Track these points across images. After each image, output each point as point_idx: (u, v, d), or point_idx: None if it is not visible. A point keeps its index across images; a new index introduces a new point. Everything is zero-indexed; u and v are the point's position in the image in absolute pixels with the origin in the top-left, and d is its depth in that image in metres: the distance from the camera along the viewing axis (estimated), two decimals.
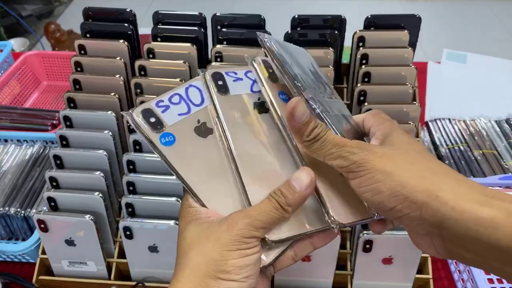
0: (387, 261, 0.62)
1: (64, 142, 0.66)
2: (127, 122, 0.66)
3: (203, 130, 0.41)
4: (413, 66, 0.70)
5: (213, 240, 0.35)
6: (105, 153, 0.63)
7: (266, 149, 0.41)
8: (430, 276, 0.65)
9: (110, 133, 0.64)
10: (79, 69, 0.73)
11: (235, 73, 0.44)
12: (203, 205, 0.39)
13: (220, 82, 0.43)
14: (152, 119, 0.40)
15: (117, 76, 0.70)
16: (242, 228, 0.34)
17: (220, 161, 0.41)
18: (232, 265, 0.34)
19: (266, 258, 0.38)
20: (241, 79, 0.44)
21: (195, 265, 0.34)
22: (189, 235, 0.36)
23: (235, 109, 0.42)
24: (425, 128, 1.01)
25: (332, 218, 0.37)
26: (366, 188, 0.34)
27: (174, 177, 0.61)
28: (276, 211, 0.35)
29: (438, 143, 0.96)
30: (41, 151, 0.86)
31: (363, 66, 0.71)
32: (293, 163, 0.41)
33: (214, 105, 0.42)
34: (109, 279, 0.67)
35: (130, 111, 0.40)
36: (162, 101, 0.42)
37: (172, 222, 0.59)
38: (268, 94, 0.42)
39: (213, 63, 0.73)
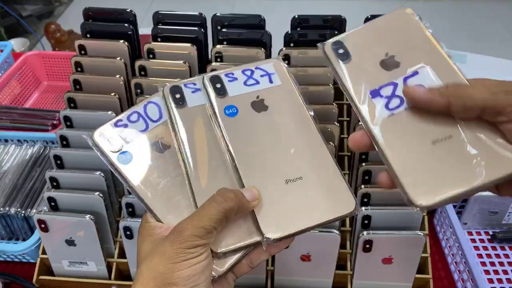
0: (387, 261, 0.62)
1: (65, 142, 0.66)
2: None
3: (160, 146, 0.43)
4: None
5: (159, 254, 0.36)
6: None
7: (221, 161, 0.42)
8: (430, 276, 0.65)
9: None
10: (79, 69, 0.73)
11: (194, 84, 0.45)
12: (159, 220, 0.40)
13: (177, 96, 0.44)
14: (111, 139, 0.42)
15: (117, 76, 0.70)
16: (185, 240, 0.35)
17: (176, 175, 0.42)
18: (177, 276, 0.34)
19: (220, 267, 0.38)
20: (200, 89, 0.45)
21: (145, 279, 0.35)
22: (142, 251, 0.38)
23: (193, 121, 0.43)
24: None
25: (262, 233, 0.38)
26: None
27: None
28: (218, 214, 0.36)
29: None
30: (41, 151, 0.86)
31: None
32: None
33: (172, 118, 0.43)
34: (109, 279, 0.67)
35: (90, 133, 0.43)
36: (121, 120, 0.44)
37: None
38: (214, 110, 0.43)
39: (213, 63, 0.73)
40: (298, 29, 0.79)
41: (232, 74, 0.45)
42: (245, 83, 0.45)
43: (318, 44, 0.43)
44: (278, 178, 0.40)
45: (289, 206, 0.39)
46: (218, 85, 0.44)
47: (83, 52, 0.75)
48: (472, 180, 0.35)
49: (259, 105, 0.44)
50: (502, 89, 0.33)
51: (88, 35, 0.78)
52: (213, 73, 0.45)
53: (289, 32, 0.78)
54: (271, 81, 0.45)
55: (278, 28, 0.85)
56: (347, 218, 0.40)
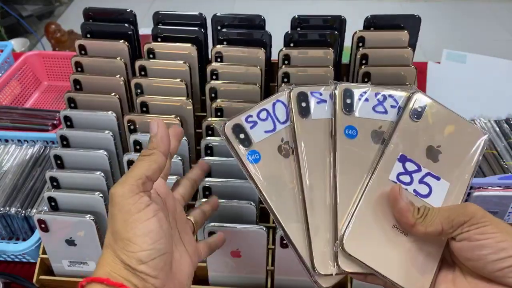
0: None
1: (65, 142, 0.66)
2: (127, 122, 0.66)
3: (284, 150, 0.43)
4: (412, 66, 0.70)
5: (113, 216, 0.38)
6: (105, 153, 0.63)
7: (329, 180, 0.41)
8: None
9: (111, 133, 0.64)
10: (79, 69, 0.73)
11: (320, 94, 0.44)
12: (279, 224, 0.40)
13: (303, 104, 0.43)
14: (242, 135, 0.43)
15: (118, 76, 0.70)
16: (117, 191, 0.37)
17: (292, 185, 0.42)
18: (133, 234, 0.36)
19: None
20: (325, 101, 0.44)
21: (110, 242, 0.38)
22: (110, 216, 0.39)
23: (313, 134, 0.42)
24: None
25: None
26: (492, 235, 0.34)
27: (174, 177, 0.62)
28: (142, 161, 0.38)
29: None
30: (41, 151, 0.86)
31: (363, 66, 0.71)
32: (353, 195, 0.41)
33: (294, 128, 0.42)
34: None
35: (223, 124, 0.43)
36: (251, 116, 0.43)
37: None
38: (336, 125, 0.42)
39: (213, 63, 0.73)
40: (298, 29, 0.79)
41: (365, 93, 0.44)
42: (373, 108, 0.43)
43: None
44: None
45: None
46: (348, 101, 0.43)
47: (83, 52, 0.75)
48: (389, 271, 0.38)
49: (378, 136, 0.42)
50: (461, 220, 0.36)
51: (88, 35, 0.78)
52: (347, 85, 0.43)
53: (289, 32, 0.78)
54: (398, 115, 0.43)
55: (278, 28, 0.85)
56: None
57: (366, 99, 0.43)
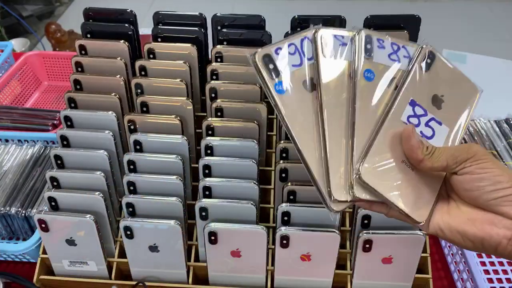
0: (387, 260, 0.62)
1: (65, 142, 0.66)
2: (127, 122, 0.66)
3: (309, 85, 0.46)
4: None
5: None
6: (105, 153, 0.63)
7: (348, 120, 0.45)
8: (430, 275, 0.65)
9: (111, 133, 0.65)
10: (79, 69, 0.73)
11: (342, 37, 0.47)
12: (298, 150, 0.44)
13: (327, 46, 0.46)
14: (271, 65, 0.45)
15: (118, 76, 0.70)
16: None
17: (314, 118, 0.45)
18: None
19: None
20: (346, 44, 0.47)
21: None
22: None
23: (335, 74, 0.46)
24: None
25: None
26: (490, 170, 0.39)
27: (174, 177, 0.62)
28: None
29: None
30: (41, 151, 0.86)
31: None
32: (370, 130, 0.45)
33: (318, 67, 0.45)
34: (110, 278, 0.67)
35: (254, 52, 0.45)
36: (280, 48, 0.46)
37: (172, 222, 0.59)
38: (356, 68, 0.46)
39: (213, 63, 0.73)
40: (298, 29, 0.79)
41: (383, 41, 0.47)
42: (389, 56, 0.47)
43: None
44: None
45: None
46: (369, 46, 0.46)
47: (83, 52, 0.75)
48: (397, 199, 0.42)
49: (391, 81, 0.46)
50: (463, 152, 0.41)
51: (89, 35, 0.78)
52: (368, 32, 0.47)
53: (289, 32, 0.78)
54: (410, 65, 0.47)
55: (278, 28, 0.85)
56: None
57: (383, 47, 0.47)
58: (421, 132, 0.45)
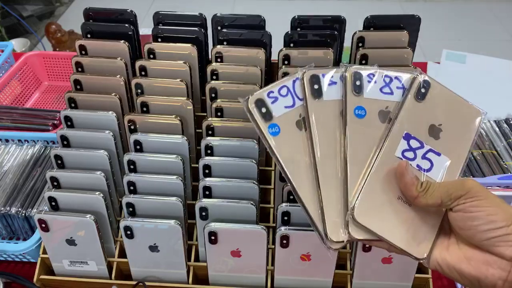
0: (387, 260, 0.62)
1: (65, 142, 0.66)
2: (128, 122, 0.66)
3: (302, 124, 0.46)
4: (412, 67, 0.70)
5: None
6: (106, 153, 0.63)
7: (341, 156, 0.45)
8: (430, 275, 0.65)
9: (111, 133, 0.65)
10: (80, 69, 0.73)
11: (332, 76, 0.47)
12: (294, 190, 0.44)
13: (316, 86, 0.46)
14: (263, 109, 0.45)
15: (118, 76, 0.70)
16: None
17: (308, 158, 0.45)
18: None
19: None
20: (336, 82, 0.47)
21: None
22: None
23: (325, 114, 0.46)
24: None
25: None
26: (484, 209, 0.38)
27: (174, 177, 0.62)
28: None
29: None
30: (42, 151, 0.86)
31: None
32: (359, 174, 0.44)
33: (307, 108, 0.45)
34: (110, 278, 0.67)
35: (246, 98, 0.46)
36: (273, 92, 0.46)
37: (172, 222, 0.59)
38: (346, 106, 0.45)
39: (213, 63, 0.73)
40: (298, 29, 0.79)
41: (373, 75, 0.47)
42: (380, 90, 0.46)
43: None
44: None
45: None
46: (358, 83, 0.46)
47: (83, 52, 0.76)
48: (394, 237, 0.42)
49: (385, 116, 0.46)
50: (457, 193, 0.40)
51: (89, 35, 0.78)
52: (356, 67, 0.46)
53: (289, 32, 0.78)
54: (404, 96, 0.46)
55: (278, 28, 0.85)
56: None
57: (374, 81, 0.46)
58: (417, 165, 0.44)
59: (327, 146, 0.45)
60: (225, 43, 0.77)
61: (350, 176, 0.43)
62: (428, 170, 0.44)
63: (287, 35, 0.78)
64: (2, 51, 1.14)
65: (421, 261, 0.42)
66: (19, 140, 0.88)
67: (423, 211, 0.43)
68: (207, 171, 0.63)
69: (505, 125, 1.00)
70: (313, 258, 0.62)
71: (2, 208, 0.75)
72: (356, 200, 0.42)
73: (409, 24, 0.77)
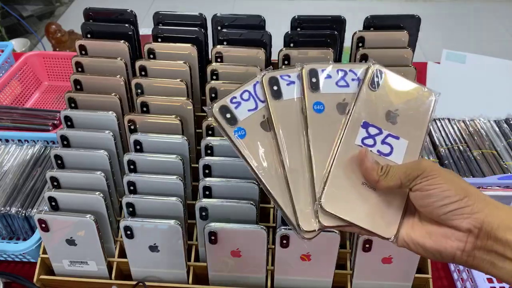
0: (387, 260, 0.62)
1: (65, 142, 0.66)
2: (128, 122, 0.66)
3: (267, 125, 0.47)
4: (412, 67, 0.70)
5: None
6: (106, 153, 0.63)
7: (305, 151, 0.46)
8: (430, 275, 0.65)
9: (111, 133, 0.65)
10: (80, 69, 0.73)
11: (289, 76, 0.49)
12: (267, 191, 0.46)
13: (275, 87, 0.48)
14: (228, 115, 0.47)
15: (118, 76, 0.70)
16: None
17: (275, 157, 0.47)
18: None
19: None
20: (294, 82, 0.49)
21: None
22: None
23: (287, 113, 0.47)
24: None
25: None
26: (438, 186, 0.40)
27: (174, 177, 0.62)
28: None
29: (437, 143, 0.96)
30: (42, 151, 0.86)
31: None
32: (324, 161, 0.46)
33: (269, 109, 0.47)
34: (110, 278, 0.67)
35: (209, 106, 0.48)
36: (235, 97, 0.48)
37: (172, 222, 0.59)
38: (305, 103, 0.47)
39: (213, 63, 0.73)
40: (298, 29, 0.79)
41: (328, 71, 0.49)
42: (336, 83, 0.48)
43: None
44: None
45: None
46: (314, 80, 0.48)
47: (83, 52, 0.76)
48: (362, 221, 0.44)
49: (343, 108, 0.47)
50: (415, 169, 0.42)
51: (89, 35, 0.78)
52: (311, 65, 0.48)
53: (289, 32, 0.78)
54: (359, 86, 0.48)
55: (278, 28, 0.85)
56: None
57: (329, 76, 0.48)
58: (378, 151, 0.46)
59: (292, 143, 0.46)
60: (225, 43, 0.77)
61: (315, 168, 0.45)
62: (389, 154, 0.46)
63: (287, 35, 0.78)
64: (2, 51, 1.14)
65: (390, 240, 0.44)
66: (19, 140, 0.88)
67: (388, 194, 0.44)
68: (207, 171, 0.63)
69: (505, 125, 1.00)
70: (313, 258, 0.62)
71: (2, 208, 0.75)
72: (323, 190, 0.44)
73: (409, 24, 0.77)
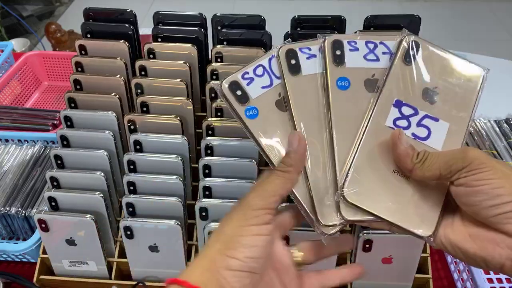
0: (387, 260, 0.62)
1: (65, 142, 0.66)
2: (127, 122, 0.66)
3: (283, 104, 0.42)
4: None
5: (228, 217, 0.37)
6: (105, 153, 0.63)
7: (327, 131, 0.41)
8: (430, 275, 0.65)
9: (111, 133, 0.65)
10: (79, 69, 0.73)
11: (309, 49, 0.43)
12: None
13: (293, 61, 0.42)
14: (238, 92, 0.42)
15: (118, 76, 0.70)
16: (250, 200, 0.37)
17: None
18: (238, 241, 0.35)
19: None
20: (315, 55, 0.43)
21: (211, 242, 0.37)
22: (225, 218, 0.38)
23: (306, 90, 0.42)
24: None
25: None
26: (488, 181, 0.34)
27: (174, 177, 0.62)
28: (277, 177, 0.37)
29: None
30: (41, 151, 0.86)
31: None
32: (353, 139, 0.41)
33: (286, 86, 0.42)
34: (110, 278, 0.67)
35: (219, 82, 0.42)
36: (248, 73, 0.42)
37: (172, 222, 0.59)
38: (328, 79, 0.42)
39: (213, 63, 0.73)
40: (298, 29, 0.79)
41: (355, 43, 0.43)
42: (365, 57, 0.43)
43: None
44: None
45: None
46: (338, 52, 0.42)
47: (83, 52, 0.75)
48: (392, 215, 0.38)
49: (372, 84, 0.42)
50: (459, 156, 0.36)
51: (89, 35, 0.78)
52: (336, 36, 0.43)
53: (289, 32, 0.78)
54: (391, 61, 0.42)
55: (278, 28, 0.85)
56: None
57: (356, 49, 0.43)
58: (413, 134, 0.40)
59: (311, 124, 0.41)
60: (225, 43, 0.77)
61: (337, 153, 0.40)
62: (426, 138, 0.40)
63: (287, 35, 0.77)
64: (2, 51, 1.14)
65: (426, 240, 0.38)
66: (19, 140, 0.88)
67: (424, 185, 0.39)
68: (207, 171, 0.63)
69: (505, 125, 1.00)
70: None
71: (2, 208, 0.75)
72: (346, 178, 0.39)
73: (409, 24, 0.77)
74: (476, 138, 0.97)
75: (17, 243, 0.74)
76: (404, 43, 0.42)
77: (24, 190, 0.78)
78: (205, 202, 0.60)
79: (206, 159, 0.62)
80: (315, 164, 0.40)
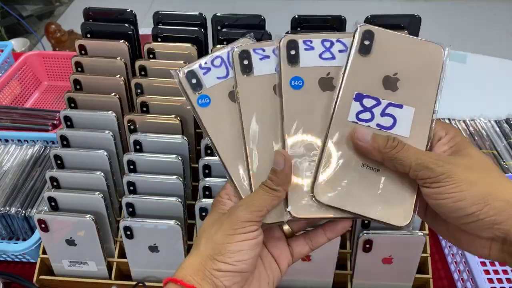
0: (387, 260, 0.62)
1: (65, 142, 0.66)
2: (127, 122, 0.66)
3: (236, 96, 0.42)
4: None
5: (218, 225, 0.39)
6: (105, 153, 0.63)
7: (274, 131, 0.41)
8: (430, 275, 0.65)
9: (111, 133, 0.65)
10: (79, 69, 0.73)
11: (263, 50, 0.44)
12: (223, 164, 0.41)
13: (245, 62, 0.43)
14: (194, 80, 0.43)
15: (118, 76, 0.70)
16: (239, 212, 0.39)
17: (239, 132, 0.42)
18: (226, 248, 0.38)
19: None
20: (268, 57, 0.43)
21: (202, 246, 0.39)
22: (206, 222, 0.41)
23: (255, 91, 0.42)
24: None
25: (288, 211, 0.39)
26: (449, 195, 0.35)
27: (174, 177, 0.62)
28: (266, 193, 0.39)
29: None
30: (41, 151, 0.86)
31: None
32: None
33: (237, 85, 0.42)
34: (110, 278, 0.67)
35: (178, 70, 0.43)
36: (206, 62, 0.44)
37: (172, 222, 0.59)
38: (281, 78, 0.42)
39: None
40: (298, 29, 0.79)
41: (311, 42, 0.42)
42: (320, 56, 0.42)
43: None
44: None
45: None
46: (293, 52, 0.42)
47: (83, 52, 0.75)
48: (363, 208, 0.38)
49: (326, 83, 0.41)
50: (432, 159, 0.36)
51: (89, 35, 0.78)
52: (291, 36, 0.43)
53: (289, 32, 0.78)
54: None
55: (278, 28, 0.85)
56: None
57: (312, 48, 0.42)
58: (378, 125, 0.39)
59: (261, 126, 0.41)
60: (225, 43, 0.77)
61: (288, 150, 0.40)
62: (391, 126, 0.39)
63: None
64: (2, 51, 1.14)
65: (405, 228, 0.38)
66: (18, 140, 0.88)
67: (396, 173, 0.38)
68: (207, 171, 0.63)
69: (505, 125, 1.00)
70: (313, 258, 0.62)
71: (1, 208, 0.75)
72: (315, 180, 0.39)
73: (410, 24, 0.77)
74: (476, 138, 0.97)
75: (17, 243, 0.74)
76: (357, 35, 0.41)
77: (24, 190, 0.78)
78: (205, 202, 0.60)
79: (206, 159, 0.62)
80: (262, 160, 0.40)
